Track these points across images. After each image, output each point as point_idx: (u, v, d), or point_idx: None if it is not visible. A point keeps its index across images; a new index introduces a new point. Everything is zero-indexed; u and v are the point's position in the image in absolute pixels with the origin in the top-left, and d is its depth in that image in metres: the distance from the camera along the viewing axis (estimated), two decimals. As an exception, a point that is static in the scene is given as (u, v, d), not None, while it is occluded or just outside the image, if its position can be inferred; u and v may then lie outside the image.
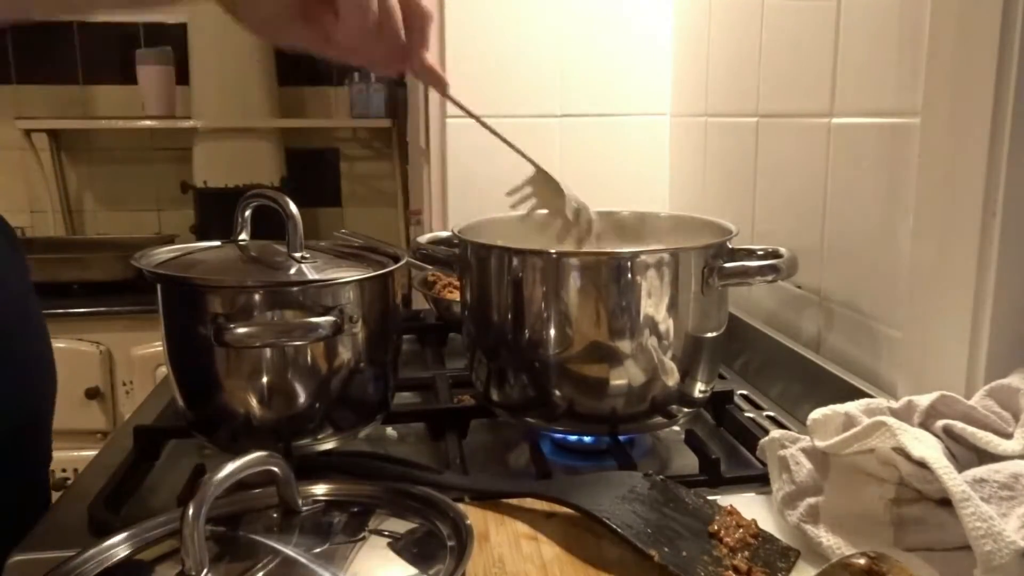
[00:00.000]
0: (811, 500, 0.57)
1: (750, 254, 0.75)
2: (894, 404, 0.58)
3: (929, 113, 0.66)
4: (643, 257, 0.69)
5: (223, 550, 0.51)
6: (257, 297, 0.66)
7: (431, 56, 0.68)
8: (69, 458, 2.00)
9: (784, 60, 0.95)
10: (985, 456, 0.53)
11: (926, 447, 0.50)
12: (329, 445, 0.72)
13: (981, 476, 0.49)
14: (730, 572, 0.53)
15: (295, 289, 0.67)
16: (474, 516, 0.60)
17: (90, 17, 2.44)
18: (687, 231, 0.84)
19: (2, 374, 0.72)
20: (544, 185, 0.81)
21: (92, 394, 1.97)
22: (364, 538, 0.53)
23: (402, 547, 0.52)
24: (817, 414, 0.58)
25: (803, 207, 0.90)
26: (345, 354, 0.69)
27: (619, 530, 0.55)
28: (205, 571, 0.45)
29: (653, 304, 0.69)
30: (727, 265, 0.71)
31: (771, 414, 0.85)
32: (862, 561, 0.47)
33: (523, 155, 0.78)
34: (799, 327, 0.92)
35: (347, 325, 0.67)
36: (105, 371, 2.00)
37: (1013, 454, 0.52)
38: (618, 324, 0.69)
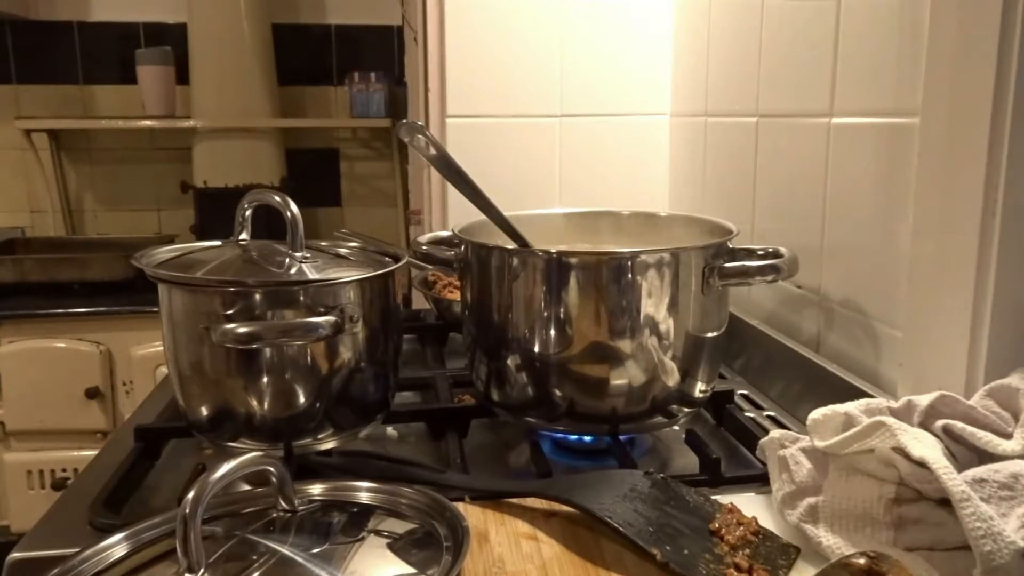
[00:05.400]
0: (811, 500, 0.57)
1: (750, 254, 0.75)
2: (894, 404, 0.58)
3: (929, 113, 0.66)
4: (643, 257, 0.69)
5: (221, 550, 0.51)
6: (257, 297, 0.66)
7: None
8: (69, 458, 2.01)
9: (784, 60, 0.95)
10: (985, 456, 0.53)
11: (926, 447, 0.50)
12: (330, 445, 0.72)
13: (981, 476, 0.49)
14: (731, 570, 0.53)
15: (296, 289, 0.67)
16: (474, 515, 0.60)
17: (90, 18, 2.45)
18: (687, 231, 0.84)
19: None
20: None
21: (92, 394, 1.97)
22: (363, 538, 0.53)
23: (401, 547, 0.52)
24: (817, 414, 0.58)
25: (803, 207, 0.90)
26: (345, 354, 0.69)
27: (621, 529, 0.55)
28: (202, 571, 0.45)
29: (653, 304, 0.69)
30: (727, 265, 0.71)
31: (771, 414, 0.85)
32: (862, 561, 0.47)
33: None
34: (799, 327, 0.92)
35: (348, 325, 0.67)
36: (105, 371, 2.00)
37: (1013, 454, 0.52)
38: (618, 324, 0.69)
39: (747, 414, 0.83)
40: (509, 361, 0.73)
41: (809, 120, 0.89)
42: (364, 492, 0.58)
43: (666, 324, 0.70)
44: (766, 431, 0.66)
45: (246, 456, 0.50)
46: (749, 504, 0.61)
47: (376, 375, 0.73)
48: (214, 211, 2.34)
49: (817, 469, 0.58)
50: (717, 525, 0.57)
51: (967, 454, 0.54)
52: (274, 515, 0.54)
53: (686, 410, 0.75)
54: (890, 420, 0.52)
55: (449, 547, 0.50)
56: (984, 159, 0.60)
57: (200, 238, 1.90)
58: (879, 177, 0.77)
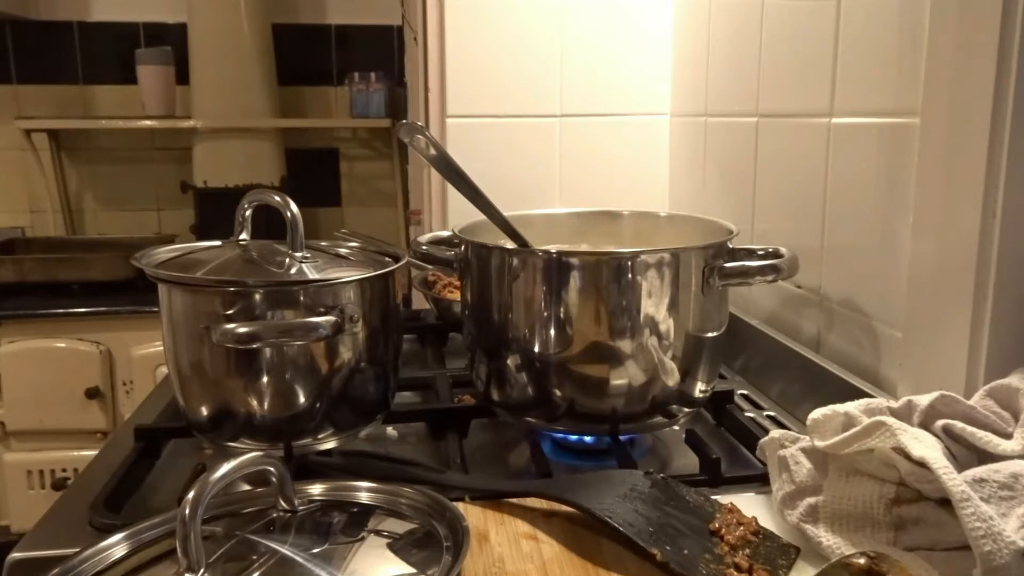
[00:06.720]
0: (811, 500, 0.57)
1: (750, 254, 0.75)
2: (894, 404, 0.58)
3: (929, 113, 0.66)
4: (643, 257, 0.69)
5: (221, 550, 0.51)
6: (257, 297, 0.66)
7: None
8: (69, 458, 2.01)
9: (784, 60, 0.95)
10: (985, 456, 0.53)
11: (926, 447, 0.50)
12: (330, 445, 0.72)
13: (981, 476, 0.49)
14: (732, 570, 0.53)
15: (296, 289, 0.67)
16: (474, 515, 0.60)
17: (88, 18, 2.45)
18: (687, 231, 0.84)
19: None
20: None
21: (92, 394, 1.97)
22: (363, 538, 0.53)
23: (401, 547, 0.52)
24: (817, 414, 0.58)
25: (803, 207, 0.90)
26: (346, 354, 0.69)
27: (621, 529, 0.55)
28: (202, 571, 0.45)
29: (653, 304, 0.69)
30: (727, 265, 0.71)
31: (771, 414, 0.85)
32: (862, 561, 0.47)
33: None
34: (799, 327, 0.92)
35: (348, 325, 0.67)
36: (105, 371, 2.00)
37: (1013, 454, 0.52)
38: (618, 324, 0.69)
39: (747, 414, 0.83)
40: (509, 361, 0.73)
41: (809, 120, 0.89)
42: (364, 492, 0.58)
43: (666, 324, 0.70)
44: (766, 431, 0.66)
45: (246, 456, 0.50)
46: (749, 504, 0.61)
47: (376, 375, 0.73)
48: (214, 211, 2.35)
49: (817, 469, 0.58)
50: (717, 525, 0.57)
51: (967, 454, 0.54)
52: (274, 515, 0.54)
53: (686, 410, 0.75)
54: (890, 420, 0.52)
55: (449, 547, 0.50)
56: (984, 159, 0.60)
57: (200, 238, 1.90)
58: (879, 177, 0.77)
